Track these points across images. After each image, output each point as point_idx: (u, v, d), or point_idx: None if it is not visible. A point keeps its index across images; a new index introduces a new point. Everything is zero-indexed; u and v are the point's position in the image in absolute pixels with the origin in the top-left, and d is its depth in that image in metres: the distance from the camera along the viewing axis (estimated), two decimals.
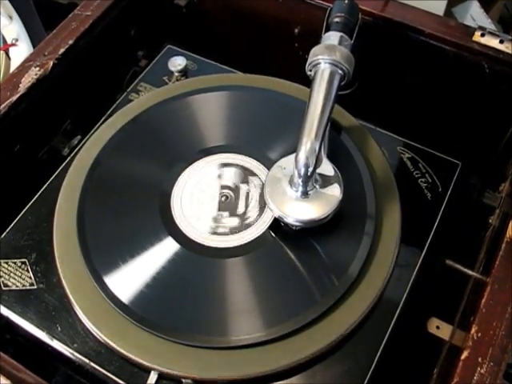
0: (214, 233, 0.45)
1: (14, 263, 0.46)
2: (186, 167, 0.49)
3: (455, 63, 0.53)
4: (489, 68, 0.52)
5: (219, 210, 0.47)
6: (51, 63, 0.52)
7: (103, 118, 0.55)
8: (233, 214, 0.46)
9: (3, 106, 0.49)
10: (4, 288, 0.45)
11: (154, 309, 0.42)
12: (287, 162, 0.45)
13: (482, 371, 0.36)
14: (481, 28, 0.52)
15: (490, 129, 0.55)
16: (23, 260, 0.46)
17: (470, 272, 0.47)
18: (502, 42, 0.51)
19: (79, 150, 0.51)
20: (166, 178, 0.48)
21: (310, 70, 0.46)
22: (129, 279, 0.43)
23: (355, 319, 0.41)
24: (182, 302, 0.42)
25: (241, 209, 0.47)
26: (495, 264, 0.40)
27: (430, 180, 0.50)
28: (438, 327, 0.44)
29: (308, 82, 0.46)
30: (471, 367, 0.36)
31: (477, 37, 0.52)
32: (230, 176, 0.48)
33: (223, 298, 0.42)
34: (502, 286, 0.39)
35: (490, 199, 0.51)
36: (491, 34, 0.51)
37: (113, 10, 0.57)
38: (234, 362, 0.40)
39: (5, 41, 0.77)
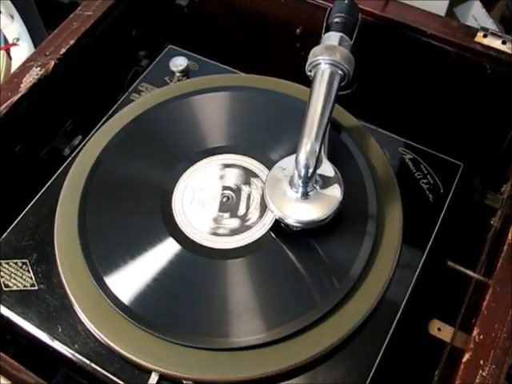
0: (214, 233, 0.45)
1: (15, 264, 0.46)
2: (188, 168, 0.49)
3: (457, 64, 0.53)
4: (491, 69, 0.52)
5: (220, 210, 0.47)
6: (52, 63, 0.52)
7: (104, 118, 0.55)
8: (233, 215, 0.46)
9: (4, 106, 0.49)
10: (5, 288, 0.45)
11: (155, 310, 0.42)
12: (287, 162, 0.45)
13: (483, 374, 0.36)
14: (483, 29, 0.52)
15: (491, 130, 0.55)
16: (24, 260, 0.46)
17: (471, 273, 0.47)
18: (504, 42, 0.51)
19: (80, 150, 0.51)
20: (167, 179, 0.48)
21: (310, 71, 0.46)
22: (130, 280, 0.43)
23: (357, 321, 0.41)
24: (183, 303, 0.42)
25: (242, 210, 0.46)
26: (497, 266, 0.40)
27: (432, 181, 0.49)
28: (439, 329, 0.44)
29: (310, 82, 0.46)
30: (473, 370, 0.36)
31: (479, 38, 0.52)
32: (232, 177, 0.48)
33: (224, 300, 0.42)
34: (503, 288, 0.39)
35: (491, 200, 0.51)
36: (494, 34, 0.51)
37: (114, 10, 0.57)
38: (236, 364, 0.40)
39: (6, 40, 0.76)
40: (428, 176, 0.50)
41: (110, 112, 0.55)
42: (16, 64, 0.75)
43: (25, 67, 0.52)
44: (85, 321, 0.42)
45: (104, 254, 0.44)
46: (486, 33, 0.51)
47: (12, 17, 0.77)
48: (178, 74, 0.57)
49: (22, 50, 0.77)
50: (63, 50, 0.53)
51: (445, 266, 0.47)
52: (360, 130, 0.51)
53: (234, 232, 0.45)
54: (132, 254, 0.44)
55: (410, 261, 0.45)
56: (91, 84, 0.58)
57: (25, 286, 0.45)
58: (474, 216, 0.51)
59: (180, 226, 0.46)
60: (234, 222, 0.46)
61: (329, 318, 0.41)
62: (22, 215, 0.48)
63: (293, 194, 0.43)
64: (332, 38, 0.47)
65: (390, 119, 0.53)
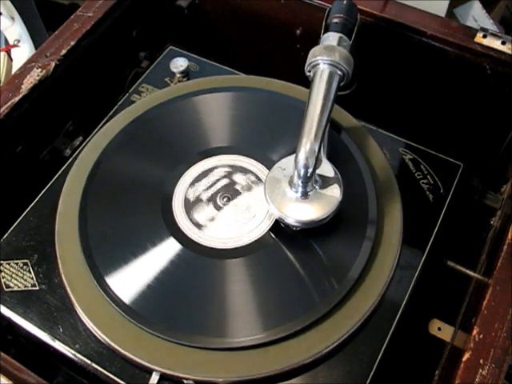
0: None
1: (16, 264, 0.46)
2: (188, 168, 0.49)
3: (457, 64, 0.53)
4: (491, 69, 0.52)
5: (239, 197, 0.47)
6: (53, 64, 0.52)
7: (105, 119, 0.55)
8: (247, 189, 0.47)
9: (5, 107, 0.49)
10: (6, 289, 0.45)
11: (156, 310, 0.42)
12: (287, 162, 0.45)
13: (483, 373, 0.36)
14: (483, 29, 0.52)
15: (491, 130, 0.55)
16: (25, 261, 0.46)
17: (471, 273, 0.47)
18: (504, 43, 0.51)
19: (81, 150, 0.51)
20: (168, 179, 0.48)
21: (309, 71, 0.46)
22: (130, 280, 0.43)
23: (357, 321, 0.41)
24: (184, 303, 0.42)
25: (241, 183, 0.48)
26: (497, 265, 0.40)
27: (432, 181, 0.50)
28: (439, 329, 0.44)
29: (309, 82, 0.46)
30: (473, 369, 0.36)
31: (479, 38, 0.52)
32: (200, 192, 0.48)
33: (225, 300, 0.42)
34: (503, 287, 0.39)
35: (491, 200, 0.51)
36: (493, 35, 0.51)
37: (115, 11, 0.57)
38: (236, 364, 0.40)
39: (7, 42, 0.77)
40: (428, 176, 0.50)
41: (111, 113, 0.55)
42: (17, 65, 0.75)
43: (25, 68, 0.52)
44: (86, 321, 0.42)
45: (105, 254, 0.44)
46: (486, 33, 0.51)
47: (13, 18, 0.77)
48: (178, 75, 0.57)
49: (23, 52, 0.77)
50: (64, 51, 0.53)
51: (445, 266, 0.47)
52: (360, 131, 0.51)
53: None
54: (133, 254, 0.44)
55: (410, 261, 0.45)
56: (92, 85, 0.58)
57: (26, 287, 0.45)
58: (474, 216, 0.51)
59: (180, 225, 0.46)
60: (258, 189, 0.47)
61: (329, 317, 0.41)
62: (23, 216, 0.49)
63: (292, 193, 0.43)
64: (331, 38, 0.47)
65: (389, 119, 0.53)
